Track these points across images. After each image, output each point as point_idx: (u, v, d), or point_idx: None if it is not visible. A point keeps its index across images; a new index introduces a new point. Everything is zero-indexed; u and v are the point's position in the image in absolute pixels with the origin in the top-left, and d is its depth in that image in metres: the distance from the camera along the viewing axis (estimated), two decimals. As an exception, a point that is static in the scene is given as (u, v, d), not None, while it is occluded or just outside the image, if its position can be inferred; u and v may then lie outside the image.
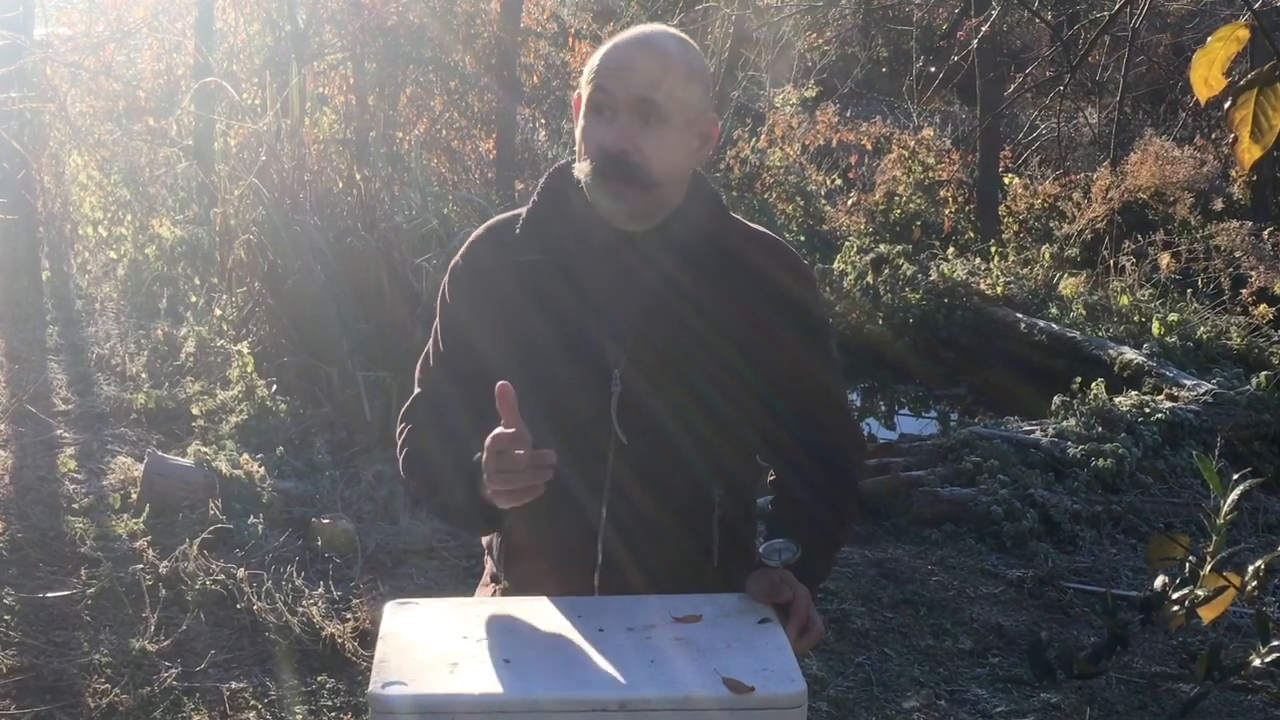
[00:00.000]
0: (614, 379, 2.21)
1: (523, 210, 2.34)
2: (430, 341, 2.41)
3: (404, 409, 2.41)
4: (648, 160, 2.17)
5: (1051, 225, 13.48)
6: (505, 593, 2.36)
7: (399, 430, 2.40)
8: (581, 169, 2.22)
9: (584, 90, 2.23)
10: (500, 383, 2.02)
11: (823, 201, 14.39)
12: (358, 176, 7.69)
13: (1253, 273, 10.77)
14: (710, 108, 2.29)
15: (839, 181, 15.06)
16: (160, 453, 5.79)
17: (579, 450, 2.22)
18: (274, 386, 6.70)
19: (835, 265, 11.61)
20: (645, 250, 2.25)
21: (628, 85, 2.17)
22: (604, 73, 2.19)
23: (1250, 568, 1.82)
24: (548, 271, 2.25)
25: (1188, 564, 1.82)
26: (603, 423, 2.22)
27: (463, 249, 2.38)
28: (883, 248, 11.82)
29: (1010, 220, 13.87)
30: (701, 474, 2.26)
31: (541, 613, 2.07)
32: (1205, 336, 9.39)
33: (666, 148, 2.20)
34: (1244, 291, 10.50)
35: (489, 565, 2.44)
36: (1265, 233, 11.54)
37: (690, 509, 2.28)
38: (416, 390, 2.41)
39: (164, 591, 4.80)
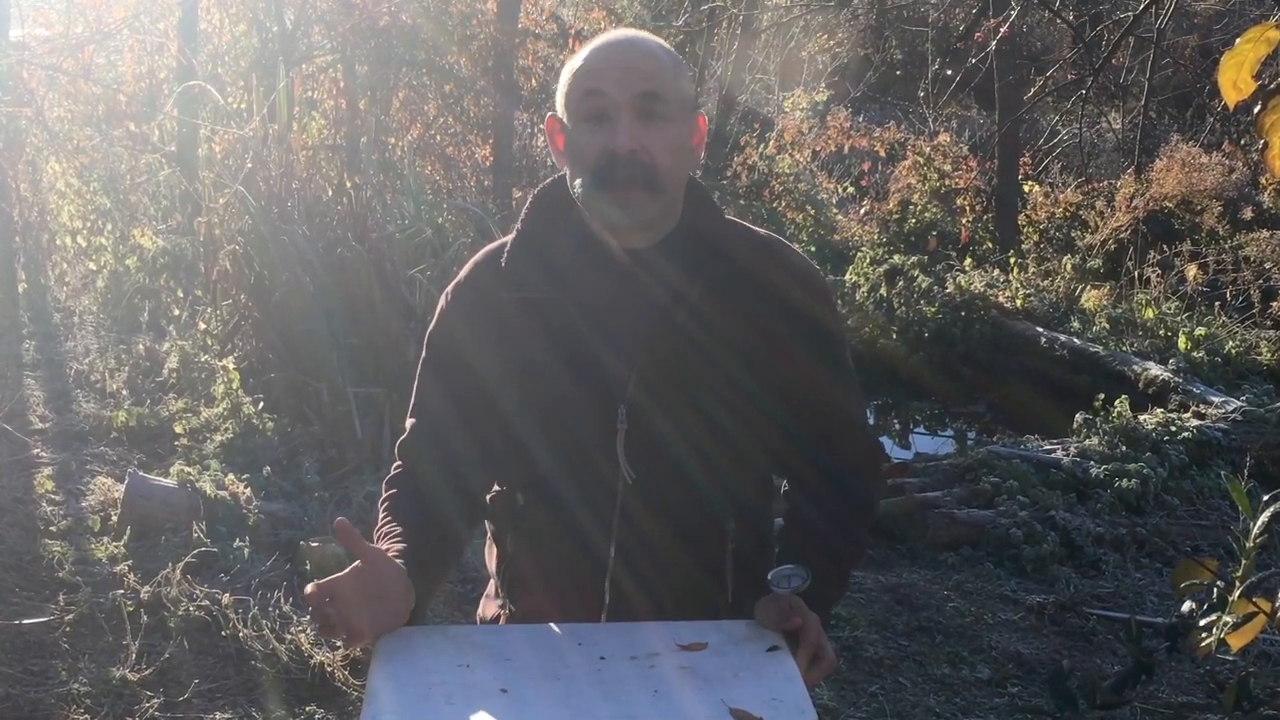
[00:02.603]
0: (619, 415, 2.19)
1: (508, 240, 2.30)
2: (420, 372, 2.36)
3: (398, 444, 2.35)
4: (656, 159, 2.14)
5: (1073, 235, 13.52)
6: (510, 615, 2.35)
7: (392, 470, 2.34)
8: (581, 183, 2.18)
9: (569, 104, 2.19)
10: (339, 519, 2.00)
11: (834, 210, 14.43)
12: (348, 184, 7.69)
13: (1284, 285, 10.79)
14: (697, 104, 2.27)
15: (851, 189, 15.10)
16: (142, 473, 5.79)
17: (585, 480, 2.22)
18: (261, 404, 6.70)
19: (847, 277, 11.63)
20: (649, 269, 2.22)
21: (625, 83, 2.13)
22: (595, 77, 2.15)
23: (1281, 593, 1.82)
24: (541, 306, 2.22)
25: (1216, 589, 1.82)
26: (609, 457, 2.20)
27: (452, 284, 2.35)
28: (897, 259, 11.84)
29: (1030, 230, 13.90)
30: (714, 504, 2.25)
31: (540, 640, 2.06)
32: (1234, 351, 9.39)
33: (672, 145, 2.17)
34: (1274, 304, 10.52)
35: (494, 582, 2.43)
36: (1297, 243, 11.56)
37: (702, 542, 2.27)
38: (410, 422, 2.35)
39: (145, 618, 4.80)
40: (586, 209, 2.20)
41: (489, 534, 2.39)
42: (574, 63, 2.21)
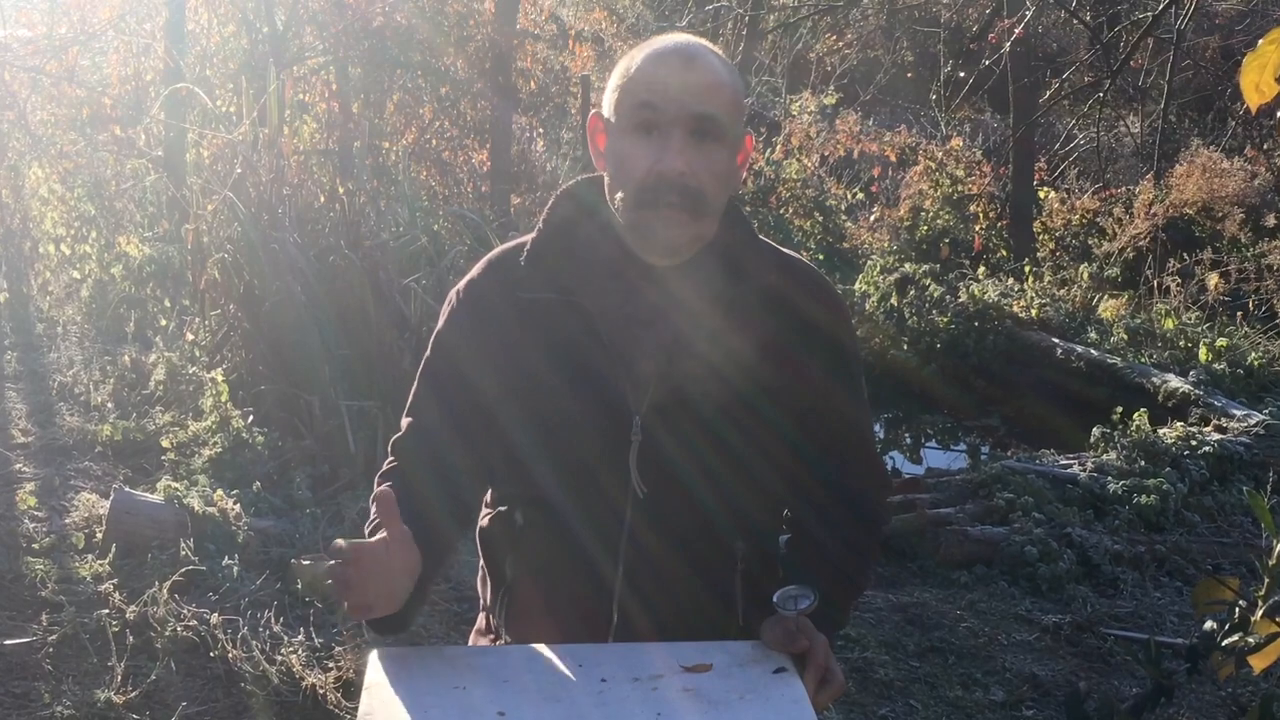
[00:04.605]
0: (635, 427, 2.18)
1: (528, 239, 2.29)
2: (420, 372, 2.36)
3: (392, 441, 2.35)
4: (704, 184, 2.14)
5: (1090, 243, 13.50)
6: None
7: (385, 464, 2.34)
8: (622, 197, 2.17)
9: (618, 108, 2.19)
10: (382, 490, 1.99)
11: (843, 217, 14.43)
12: (341, 190, 7.69)
13: (1307, 294, 10.80)
14: (745, 126, 2.27)
15: (861, 195, 15.10)
16: (127, 489, 5.79)
17: (590, 497, 2.21)
18: (250, 417, 6.70)
19: (857, 286, 11.63)
20: (672, 286, 2.22)
21: (682, 102, 2.12)
22: (651, 89, 2.14)
23: (1305, 613, 1.82)
24: (556, 309, 2.21)
25: (1238, 609, 1.82)
26: (618, 472, 2.20)
27: (463, 281, 2.34)
28: (908, 267, 11.83)
29: (1046, 237, 13.89)
30: (723, 525, 2.24)
31: (539, 662, 2.06)
32: (1257, 363, 9.38)
33: (720, 170, 2.18)
34: (1298, 314, 10.52)
35: (485, 616, 2.43)
36: (1321, 251, 11.57)
37: (711, 563, 2.27)
38: (406, 421, 2.35)
39: (131, 638, 4.79)
40: (624, 221, 2.20)
41: (483, 564, 2.39)
42: (629, 65, 2.20)
